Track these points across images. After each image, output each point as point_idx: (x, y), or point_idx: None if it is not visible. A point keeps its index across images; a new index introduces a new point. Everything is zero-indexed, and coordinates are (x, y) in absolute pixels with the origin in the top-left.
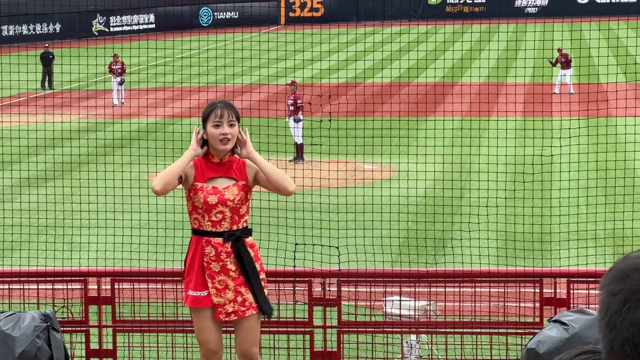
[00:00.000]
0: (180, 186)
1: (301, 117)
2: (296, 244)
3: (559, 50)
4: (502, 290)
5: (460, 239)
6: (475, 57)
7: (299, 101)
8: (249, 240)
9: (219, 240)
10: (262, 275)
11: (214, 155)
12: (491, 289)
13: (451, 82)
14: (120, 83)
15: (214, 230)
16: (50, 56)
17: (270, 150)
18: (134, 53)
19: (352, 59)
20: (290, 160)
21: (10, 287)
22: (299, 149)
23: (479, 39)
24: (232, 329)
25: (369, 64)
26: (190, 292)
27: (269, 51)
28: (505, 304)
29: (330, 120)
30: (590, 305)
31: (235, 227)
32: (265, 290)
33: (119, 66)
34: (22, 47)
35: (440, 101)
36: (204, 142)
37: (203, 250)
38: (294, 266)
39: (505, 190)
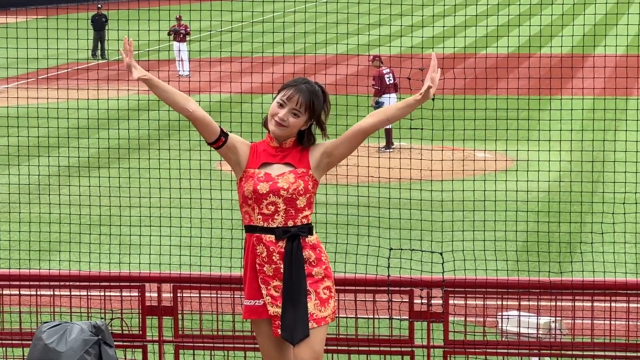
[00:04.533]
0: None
1: (382, 100)
2: (391, 249)
3: None
4: None
5: (592, 243)
6: (613, 23)
7: (385, 79)
8: (310, 239)
9: (271, 237)
10: (327, 283)
11: (272, 138)
12: (630, 304)
13: (582, 54)
14: (181, 41)
15: (265, 225)
16: (103, 19)
17: None
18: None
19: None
20: (379, 149)
21: (55, 292)
22: (387, 135)
23: (616, 1)
24: None
25: (482, 32)
26: (245, 302)
27: (360, 15)
28: None
29: (434, 99)
30: None
31: (290, 223)
32: (331, 304)
33: (182, 29)
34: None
35: (570, 76)
36: (267, 117)
37: (255, 250)
38: (388, 275)
39: None
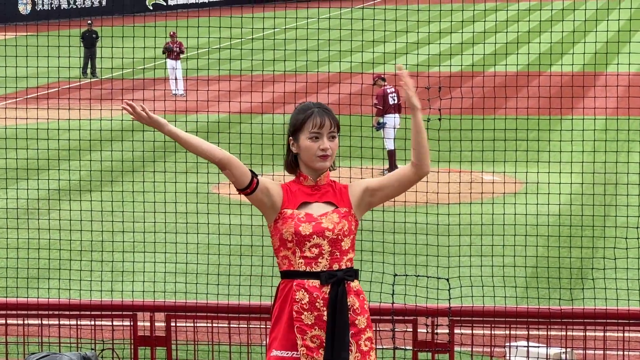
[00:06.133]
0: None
1: (383, 121)
2: (395, 275)
3: None
4: None
5: (604, 269)
6: (626, 41)
7: (389, 99)
8: (355, 285)
9: (315, 282)
10: (369, 334)
11: (306, 177)
12: None
13: (594, 72)
14: (176, 59)
15: (308, 270)
16: (94, 36)
17: (364, 157)
18: (195, 33)
19: (469, 42)
20: (383, 172)
21: (43, 322)
22: (390, 157)
23: (629, 17)
24: None
25: (490, 49)
26: (274, 353)
27: (364, 31)
28: None
29: (440, 119)
30: None
31: (336, 267)
32: (372, 357)
33: (177, 47)
34: (60, 25)
35: (581, 95)
36: (292, 160)
37: (293, 297)
38: (392, 302)
39: None
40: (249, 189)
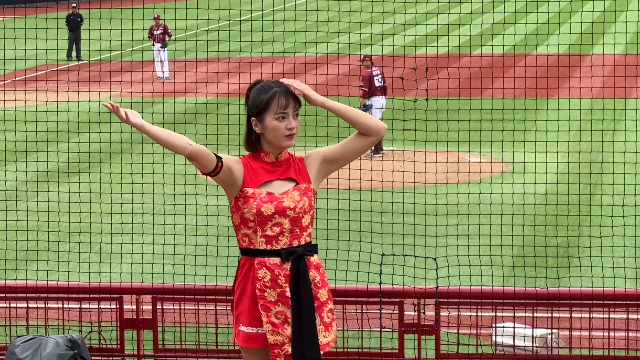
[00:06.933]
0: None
1: (370, 103)
2: (383, 255)
3: None
4: None
5: (590, 247)
6: (611, 21)
7: (374, 81)
8: (314, 259)
9: (276, 260)
10: (330, 306)
11: (268, 153)
12: (629, 315)
13: (579, 53)
14: (163, 47)
15: (268, 248)
16: (79, 19)
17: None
18: (181, 15)
19: (456, 24)
20: (372, 153)
21: (29, 305)
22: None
23: None
24: None
25: (477, 30)
26: (242, 328)
27: (351, 13)
28: None
29: (427, 100)
30: None
31: (295, 243)
32: (334, 327)
33: (161, 30)
34: (45, 8)
35: (567, 76)
36: (254, 139)
37: (256, 275)
38: (380, 283)
39: None
40: (213, 172)
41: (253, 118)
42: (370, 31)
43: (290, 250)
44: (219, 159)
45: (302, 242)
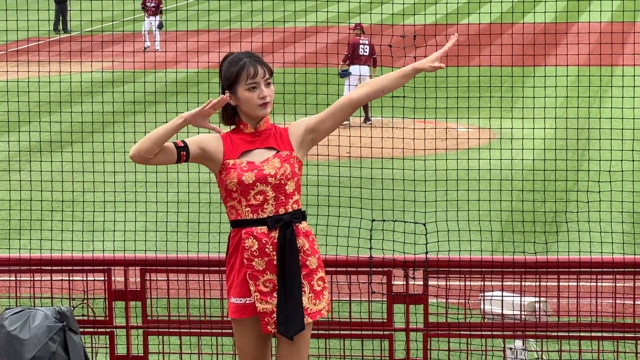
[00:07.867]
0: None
1: (349, 70)
2: (373, 220)
3: None
4: (631, 284)
5: (577, 212)
6: None
7: (359, 49)
8: (303, 226)
9: (263, 229)
10: (320, 274)
11: (246, 124)
12: (617, 283)
13: (566, 22)
14: (159, 27)
15: (255, 217)
16: None
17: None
18: None
19: None
20: (365, 121)
21: (18, 277)
22: (365, 108)
23: None
24: None
25: None
26: (232, 300)
27: None
28: (636, 302)
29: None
30: None
31: (282, 211)
32: (325, 296)
33: (154, 4)
34: None
35: (553, 43)
36: (230, 112)
37: (243, 245)
38: (370, 251)
39: (633, 161)
40: (180, 162)
41: (227, 91)
42: (359, 0)
43: (277, 217)
44: (182, 148)
45: (289, 210)
